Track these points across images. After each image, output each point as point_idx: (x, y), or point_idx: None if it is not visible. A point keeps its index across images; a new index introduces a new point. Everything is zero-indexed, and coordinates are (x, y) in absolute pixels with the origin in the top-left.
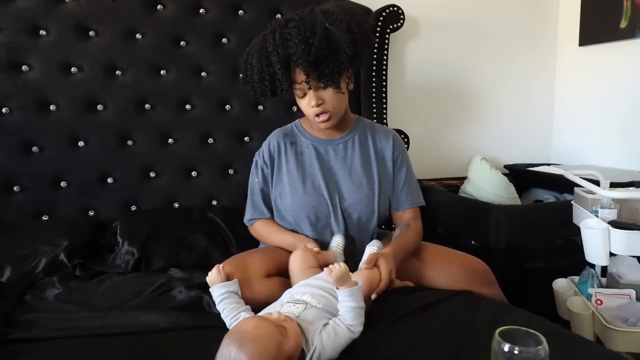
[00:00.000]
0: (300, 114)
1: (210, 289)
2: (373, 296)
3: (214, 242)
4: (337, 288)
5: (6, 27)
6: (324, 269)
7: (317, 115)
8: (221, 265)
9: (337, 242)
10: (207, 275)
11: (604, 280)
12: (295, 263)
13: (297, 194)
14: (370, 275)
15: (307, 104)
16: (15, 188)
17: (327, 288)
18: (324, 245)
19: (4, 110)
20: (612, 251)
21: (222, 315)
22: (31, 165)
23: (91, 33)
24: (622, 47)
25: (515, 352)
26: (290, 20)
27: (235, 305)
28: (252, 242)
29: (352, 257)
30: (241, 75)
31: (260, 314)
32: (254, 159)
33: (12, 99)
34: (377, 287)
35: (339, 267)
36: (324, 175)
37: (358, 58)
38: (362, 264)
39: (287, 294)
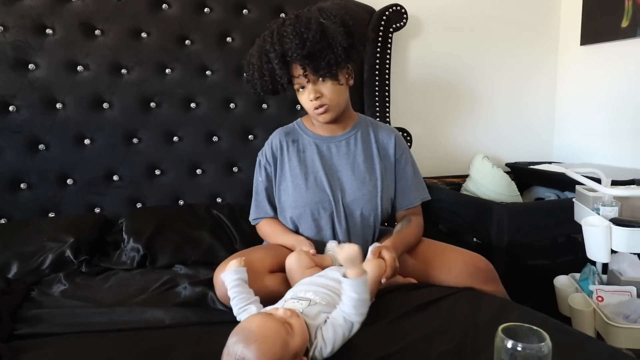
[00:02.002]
0: (303, 112)
1: (223, 274)
2: (383, 280)
3: (219, 239)
4: (344, 276)
5: (13, 26)
6: (336, 246)
7: (316, 108)
8: (243, 258)
9: (332, 247)
10: (212, 271)
11: (605, 277)
12: (292, 265)
13: (300, 190)
14: (377, 263)
15: (306, 98)
16: (22, 185)
17: (330, 286)
18: (324, 242)
19: (10, 108)
20: (613, 248)
21: (232, 302)
22: (38, 163)
23: (97, 32)
24: (624, 47)
25: (519, 348)
26: (288, 19)
27: (245, 296)
28: (256, 239)
29: None
30: (244, 74)
31: (266, 310)
32: (257, 158)
33: (19, 97)
34: (385, 272)
35: (350, 247)
36: (326, 172)
37: (354, 51)
38: (368, 256)
39: (291, 292)
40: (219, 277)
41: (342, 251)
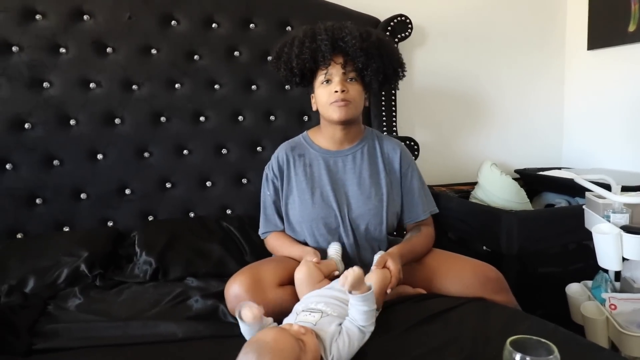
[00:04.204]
0: (310, 124)
1: (240, 321)
2: (388, 290)
3: (229, 251)
4: (350, 292)
5: (28, 46)
6: (340, 278)
7: (336, 101)
8: (260, 308)
9: (335, 249)
10: (223, 283)
11: (617, 284)
12: (301, 278)
13: (306, 205)
14: (382, 275)
15: (328, 91)
16: (37, 201)
17: (340, 298)
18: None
19: (26, 125)
20: (624, 256)
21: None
22: (52, 179)
23: (109, 49)
24: (631, 51)
25: None
26: (345, 22)
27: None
28: (266, 251)
29: (362, 265)
30: (273, 55)
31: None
32: (264, 172)
33: (34, 114)
34: (390, 283)
35: (354, 272)
36: (333, 187)
37: (396, 76)
38: (373, 267)
39: (302, 304)
40: (229, 290)
41: (348, 280)
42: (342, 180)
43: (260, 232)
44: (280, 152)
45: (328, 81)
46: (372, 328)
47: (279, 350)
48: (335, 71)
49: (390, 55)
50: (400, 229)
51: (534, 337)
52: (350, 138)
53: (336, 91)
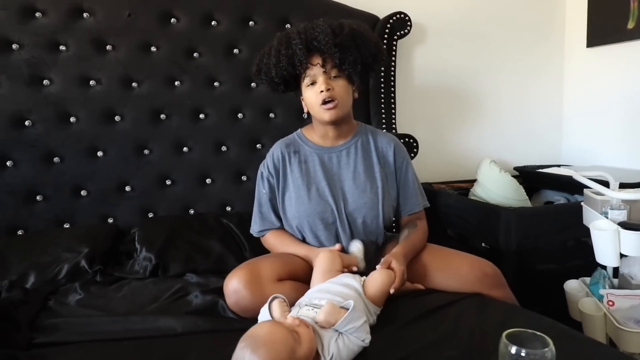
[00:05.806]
0: (308, 122)
1: (267, 312)
2: (392, 290)
3: (229, 247)
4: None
5: (28, 44)
6: (316, 315)
7: (325, 102)
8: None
9: (357, 247)
10: (222, 280)
11: (615, 281)
12: (322, 263)
13: (302, 201)
14: (387, 274)
15: (315, 92)
16: (38, 197)
17: (344, 294)
18: None
19: (26, 123)
20: (622, 252)
21: None
22: (53, 175)
23: (108, 47)
24: (630, 48)
25: (522, 354)
26: (317, 20)
27: None
28: (265, 248)
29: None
30: (254, 68)
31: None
32: (259, 170)
33: (34, 112)
34: (394, 283)
35: (324, 308)
36: (328, 182)
37: (376, 63)
38: (378, 266)
39: (306, 297)
40: (228, 285)
41: (320, 317)
42: (338, 176)
43: (255, 230)
44: (276, 150)
45: (313, 83)
46: (369, 337)
47: (273, 342)
48: (317, 72)
49: (367, 43)
50: (398, 225)
51: (530, 331)
52: (343, 134)
53: (322, 91)
